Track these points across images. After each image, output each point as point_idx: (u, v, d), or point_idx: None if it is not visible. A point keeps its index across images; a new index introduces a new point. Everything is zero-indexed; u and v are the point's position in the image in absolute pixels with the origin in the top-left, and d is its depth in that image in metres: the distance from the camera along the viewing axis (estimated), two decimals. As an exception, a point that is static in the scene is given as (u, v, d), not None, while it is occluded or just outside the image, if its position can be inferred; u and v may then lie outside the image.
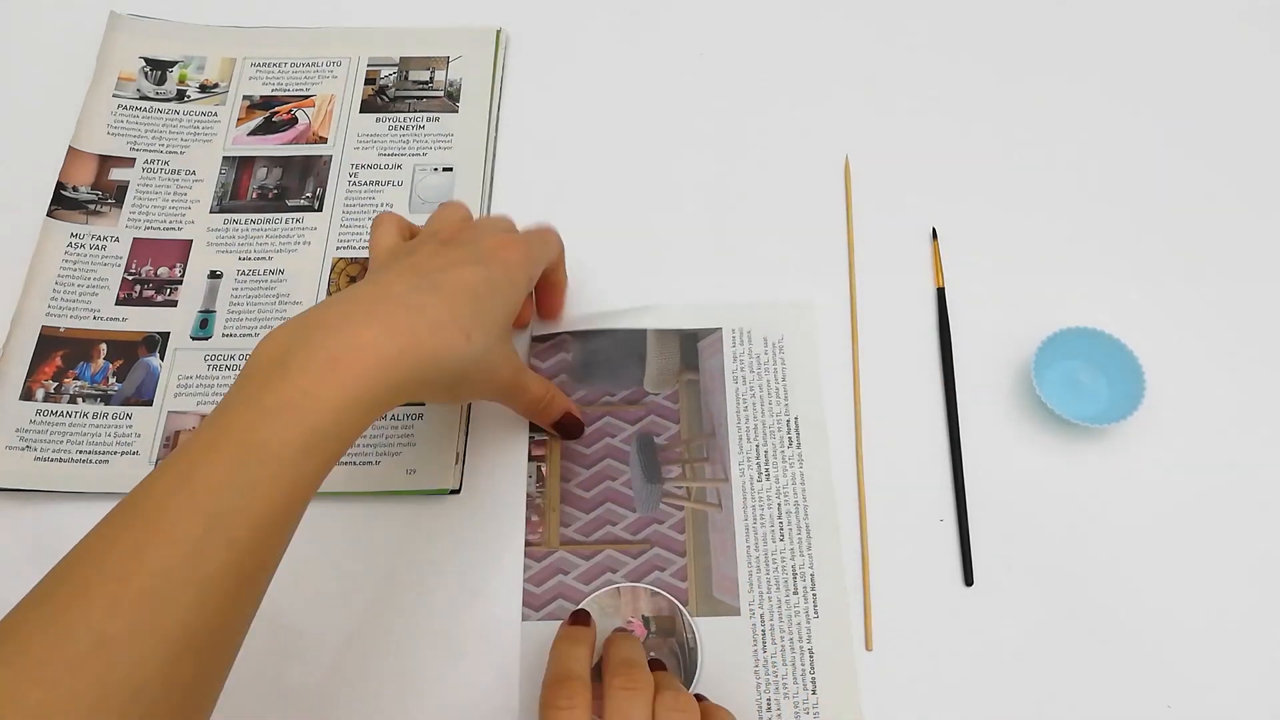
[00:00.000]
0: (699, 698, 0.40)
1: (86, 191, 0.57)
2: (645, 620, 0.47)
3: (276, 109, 0.61)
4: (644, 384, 0.52)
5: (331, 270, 0.56)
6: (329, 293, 0.55)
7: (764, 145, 0.60)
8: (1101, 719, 0.45)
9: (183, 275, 0.55)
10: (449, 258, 0.41)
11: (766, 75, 0.62)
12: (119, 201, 0.57)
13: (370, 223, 0.57)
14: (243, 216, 0.57)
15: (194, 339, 0.53)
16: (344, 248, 0.56)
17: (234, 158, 0.59)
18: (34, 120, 0.60)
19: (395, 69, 0.62)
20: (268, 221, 0.57)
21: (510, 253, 0.43)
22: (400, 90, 0.61)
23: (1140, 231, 0.57)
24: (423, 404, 0.52)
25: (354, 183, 0.58)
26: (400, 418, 0.51)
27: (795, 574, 0.48)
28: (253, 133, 0.60)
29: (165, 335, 0.54)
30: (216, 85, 0.62)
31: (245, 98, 0.61)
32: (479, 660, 0.46)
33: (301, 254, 0.56)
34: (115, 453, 0.50)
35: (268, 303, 0.55)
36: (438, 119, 0.60)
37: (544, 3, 0.65)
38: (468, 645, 0.47)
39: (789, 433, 0.51)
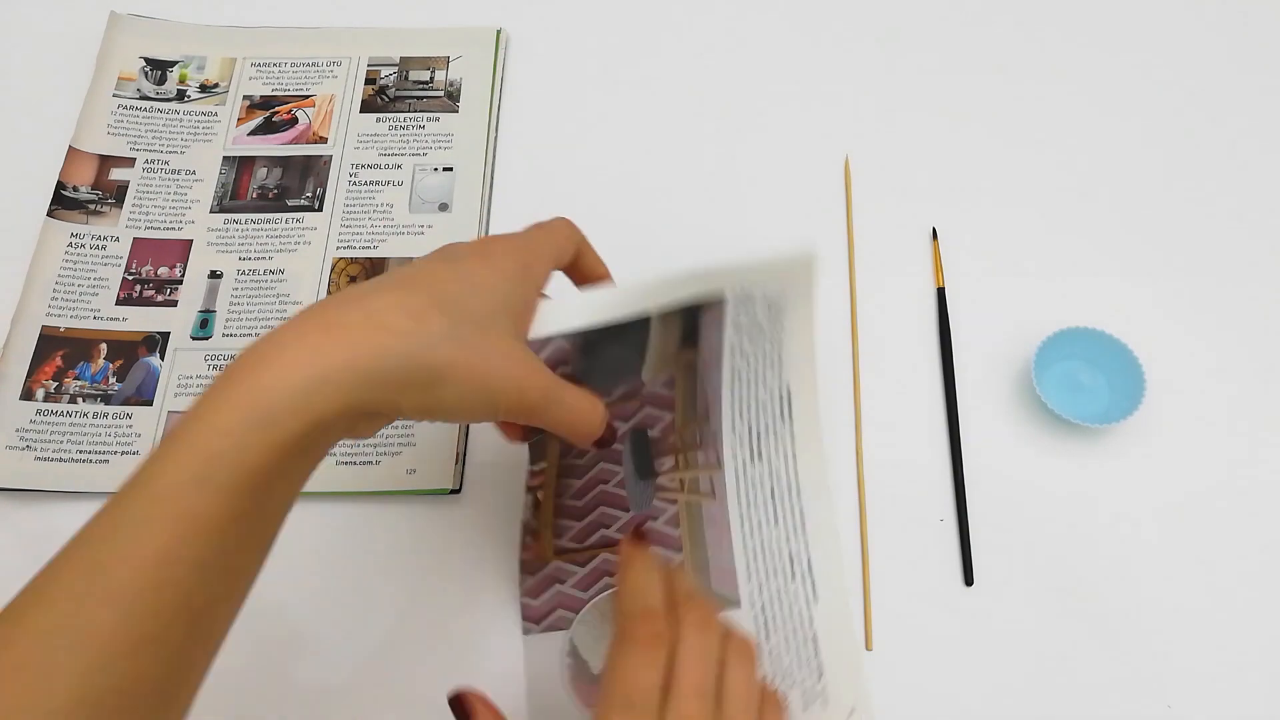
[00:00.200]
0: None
1: (86, 191, 0.57)
2: None
3: (277, 109, 0.61)
4: (642, 375, 0.46)
5: (331, 270, 0.56)
6: (329, 292, 0.55)
7: (764, 145, 0.60)
8: (1101, 719, 0.45)
9: (183, 275, 0.55)
10: (417, 263, 0.36)
11: (766, 75, 0.62)
12: (119, 201, 0.57)
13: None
14: (243, 216, 0.57)
15: (194, 339, 0.53)
16: (344, 248, 0.56)
17: (234, 158, 0.59)
18: (34, 120, 0.60)
19: (395, 69, 0.62)
20: (268, 221, 0.57)
21: (492, 245, 0.37)
22: (400, 90, 0.61)
23: (1140, 232, 0.57)
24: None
25: (354, 183, 0.58)
26: (400, 418, 0.51)
27: (791, 559, 0.47)
28: (253, 133, 0.60)
29: (165, 335, 0.54)
30: (216, 85, 0.62)
31: (245, 98, 0.61)
32: (479, 660, 0.46)
33: (301, 254, 0.56)
34: (115, 453, 0.50)
35: (268, 303, 0.55)
36: (438, 119, 0.60)
37: (544, 3, 0.65)
38: (468, 644, 0.47)
39: (781, 405, 0.48)
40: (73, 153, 0.58)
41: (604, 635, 0.45)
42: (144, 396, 0.52)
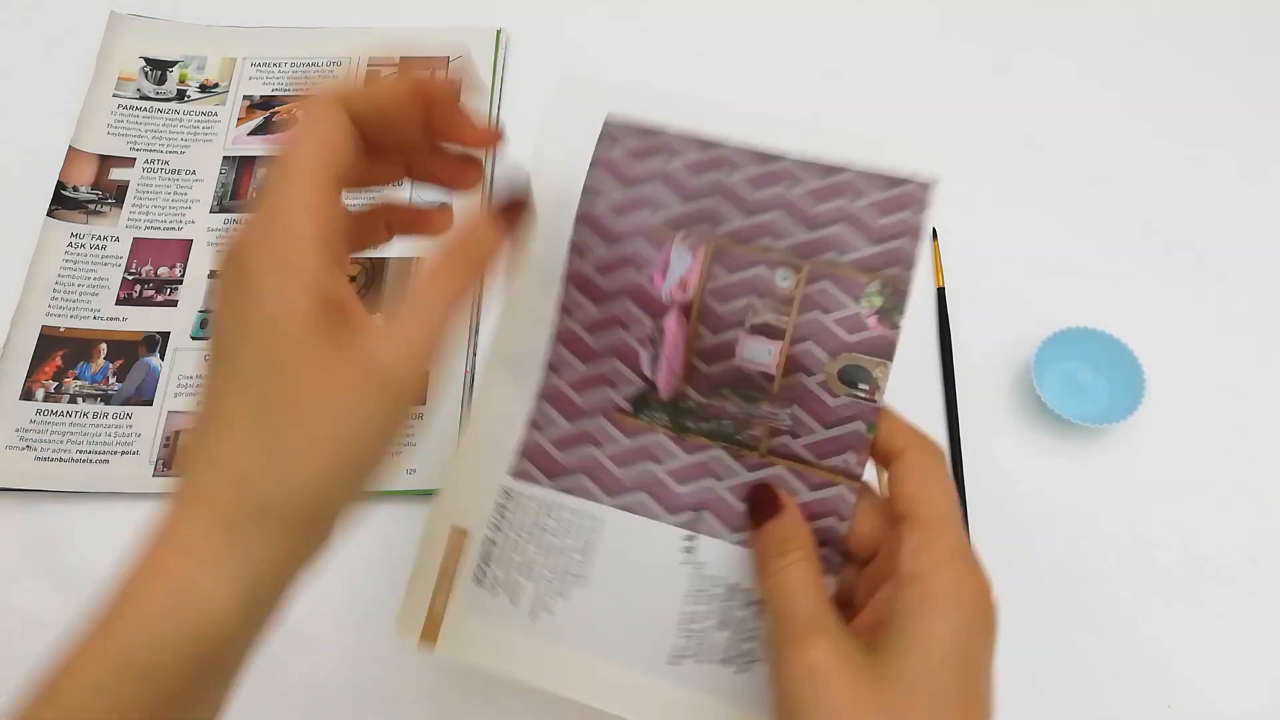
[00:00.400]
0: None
1: (86, 191, 0.57)
2: None
3: (277, 109, 0.61)
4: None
5: (331, 270, 0.56)
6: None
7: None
8: (1101, 718, 0.45)
9: (183, 275, 0.55)
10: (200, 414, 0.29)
11: (766, 75, 0.62)
12: (119, 201, 0.57)
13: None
14: (243, 216, 0.57)
15: (194, 339, 0.53)
16: (344, 248, 0.56)
17: (234, 157, 0.59)
18: (34, 120, 0.60)
19: (395, 69, 0.62)
20: (268, 221, 0.57)
21: (244, 283, 0.28)
22: (400, 90, 0.61)
23: (1140, 232, 0.57)
24: (422, 403, 0.52)
25: (354, 183, 0.58)
26: (400, 418, 0.51)
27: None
28: (253, 132, 0.60)
29: (165, 335, 0.54)
30: (216, 85, 0.62)
31: (245, 98, 0.61)
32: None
33: (301, 254, 0.56)
34: (115, 452, 0.50)
35: (268, 303, 0.54)
36: (438, 119, 0.60)
37: (544, 3, 0.65)
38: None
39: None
40: (73, 153, 0.58)
41: None
42: (144, 396, 0.52)
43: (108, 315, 0.54)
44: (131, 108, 0.60)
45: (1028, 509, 0.50)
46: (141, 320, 0.54)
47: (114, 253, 0.56)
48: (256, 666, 0.46)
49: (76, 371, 0.52)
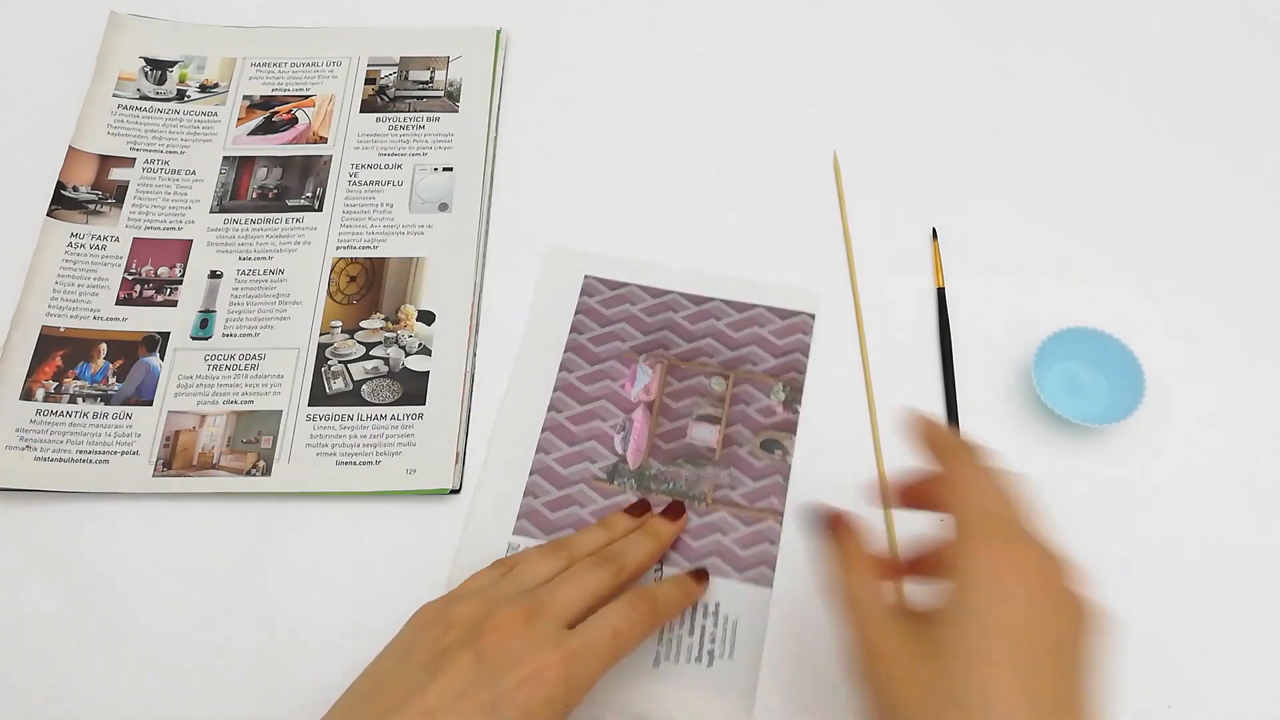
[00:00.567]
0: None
1: (86, 191, 0.57)
2: None
3: (276, 109, 0.61)
4: None
5: (331, 270, 0.56)
6: (328, 293, 0.55)
7: (765, 146, 0.60)
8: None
9: (183, 275, 0.55)
10: (460, 703, 0.36)
11: (766, 75, 0.62)
12: (119, 201, 0.57)
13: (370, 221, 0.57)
14: (243, 216, 0.57)
15: (194, 339, 0.53)
16: (344, 247, 0.56)
17: (234, 158, 0.59)
18: (34, 120, 0.60)
19: (395, 69, 0.62)
20: (268, 221, 0.57)
21: (536, 689, 0.36)
22: (400, 90, 0.61)
23: (1140, 231, 0.57)
24: (423, 404, 0.52)
25: (354, 183, 0.58)
26: (400, 418, 0.51)
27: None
28: (253, 133, 0.60)
29: (165, 335, 0.54)
30: (216, 85, 0.62)
31: (245, 98, 0.61)
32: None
33: (301, 254, 0.56)
34: (115, 453, 0.50)
35: (268, 303, 0.55)
36: (438, 119, 0.60)
37: (544, 3, 0.65)
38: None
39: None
40: (73, 153, 0.58)
41: None
42: (144, 396, 0.52)
43: (108, 315, 0.54)
44: (131, 108, 0.60)
45: (1028, 509, 0.50)
46: (141, 320, 0.54)
47: (114, 253, 0.56)
48: (257, 667, 0.47)
49: (76, 371, 0.52)
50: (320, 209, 0.57)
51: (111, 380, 0.52)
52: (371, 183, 0.58)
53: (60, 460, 0.50)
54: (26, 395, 0.51)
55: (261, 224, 0.57)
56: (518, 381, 0.53)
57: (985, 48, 0.63)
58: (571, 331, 0.53)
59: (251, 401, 0.52)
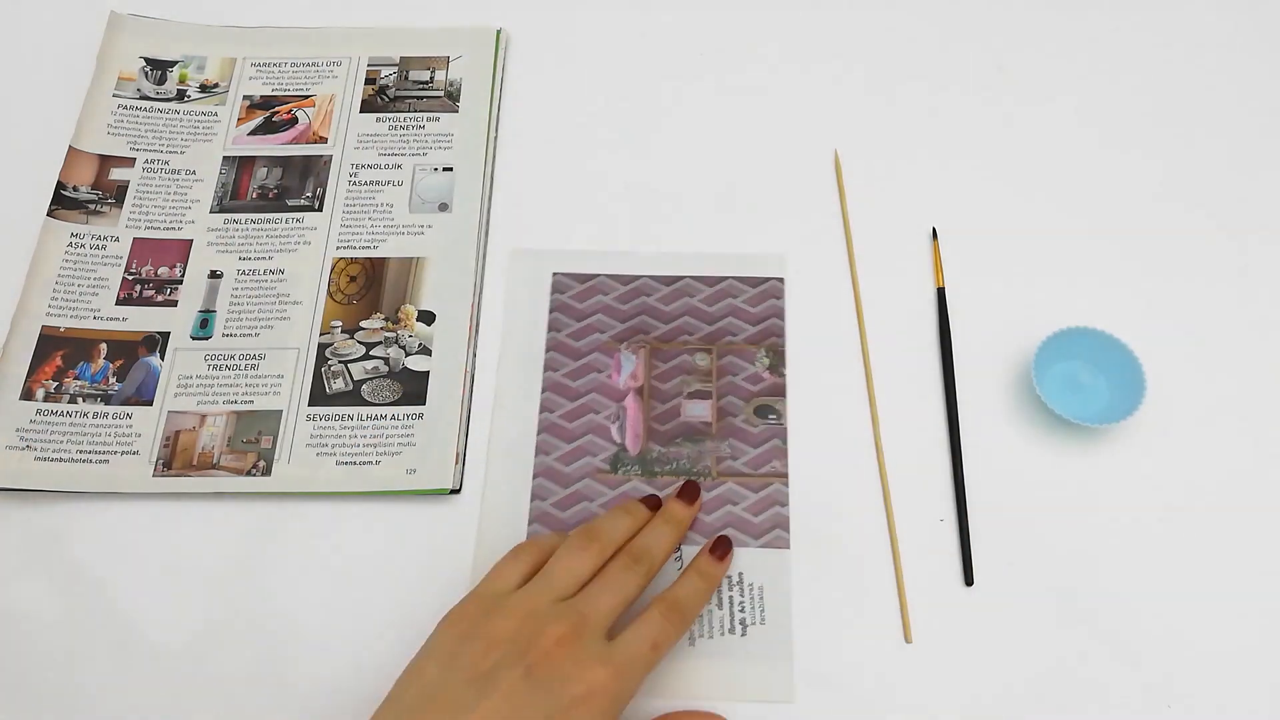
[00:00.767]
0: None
1: (86, 191, 0.57)
2: None
3: (276, 109, 0.61)
4: None
5: (331, 270, 0.56)
6: (328, 292, 0.55)
7: (765, 146, 0.60)
8: (1102, 719, 0.45)
9: (183, 275, 0.55)
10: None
11: (766, 75, 0.62)
12: (119, 201, 0.57)
13: (367, 220, 0.57)
14: (243, 216, 0.57)
15: (194, 339, 0.53)
16: (344, 247, 0.56)
17: (234, 157, 0.59)
18: (34, 120, 0.60)
19: (395, 69, 0.62)
20: (268, 221, 0.57)
21: (590, 707, 0.37)
22: (400, 90, 0.61)
23: (1141, 231, 0.57)
24: (423, 404, 0.52)
25: (354, 182, 0.58)
26: (400, 418, 0.51)
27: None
28: (253, 132, 0.60)
29: (165, 335, 0.54)
30: (216, 85, 0.62)
31: (245, 98, 0.61)
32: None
33: (301, 254, 0.56)
34: (115, 452, 0.50)
35: (268, 302, 0.55)
36: (438, 119, 0.60)
37: (544, 3, 0.65)
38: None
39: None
40: (73, 153, 0.58)
41: None
42: (144, 396, 0.52)
43: (108, 315, 0.54)
44: (131, 108, 0.60)
45: (1027, 509, 0.50)
46: (141, 320, 0.54)
47: (114, 253, 0.56)
48: (257, 667, 0.47)
49: (76, 371, 0.52)
50: (320, 209, 0.57)
51: (111, 380, 0.52)
52: (371, 183, 0.58)
53: (60, 460, 0.50)
54: (26, 395, 0.51)
55: (261, 224, 0.57)
56: (505, 389, 0.53)
57: (985, 47, 0.63)
58: (550, 331, 0.54)
59: (251, 401, 0.52)
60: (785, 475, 0.50)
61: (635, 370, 0.52)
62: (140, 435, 0.51)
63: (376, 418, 0.51)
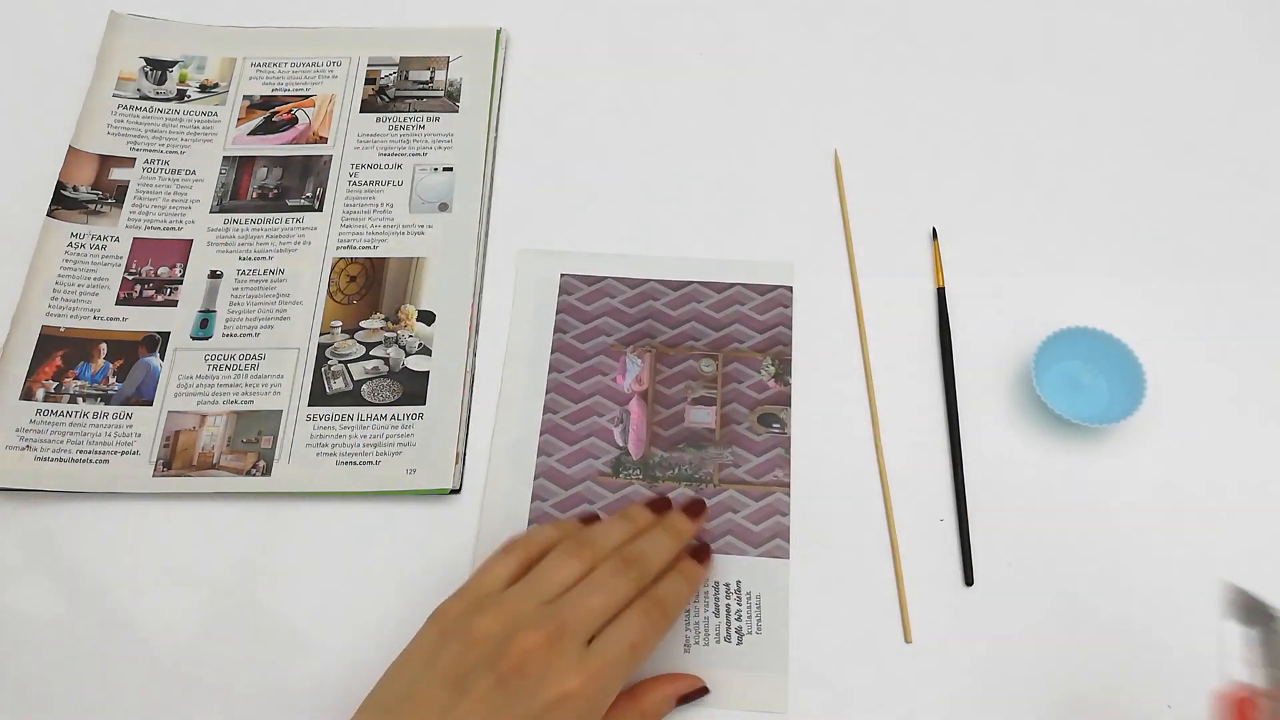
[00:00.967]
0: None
1: (86, 191, 0.57)
2: None
3: (276, 109, 0.61)
4: None
5: (331, 270, 0.56)
6: (328, 292, 0.55)
7: (765, 146, 0.60)
8: (1101, 719, 0.45)
9: (183, 275, 0.55)
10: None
11: (767, 76, 0.62)
12: (119, 201, 0.57)
13: (372, 227, 0.57)
14: (243, 216, 0.57)
15: (194, 339, 0.53)
16: (344, 247, 0.56)
17: (234, 157, 0.59)
18: (34, 120, 0.60)
19: (395, 69, 0.62)
20: (268, 221, 0.57)
21: (566, 710, 0.37)
22: (400, 90, 0.61)
23: (1140, 231, 0.57)
24: (423, 404, 0.52)
25: (354, 183, 0.58)
26: (400, 418, 0.51)
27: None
28: (253, 133, 0.60)
29: (165, 335, 0.54)
30: (216, 85, 0.62)
31: (245, 98, 0.61)
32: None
33: (301, 254, 0.56)
34: (115, 453, 0.50)
35: (268, 302, 0.55)
36: (438, 119, 0.60)
37: (544, 3, 0.65)
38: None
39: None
40: (73, 153, 0.58)
41: None
42: (144, 396, 0.52)
43: (108, 315, 0.54)
44: (131, 108, 0.60)
45: (1027, 509, 0.50)
46: (141, 320, 0.54)
47: (114, 253, 0.56)
48: (257, 667, 0.47)
49: (76, 371, 0.52)
50: (320, 209, 0.57)
51: (111, 380, 0.52)
52: (371, 183, 0.58)
53: (60, 460, 0.50)
54: (26, 395, 0.51)
55: (261, 224, 0.57)
56: (509, 388, 0.52)
57: (985, 47, 0.63)
58: (556, 332, 0.54)
59: (251, 401, 0.52)
60: (787, 484, 0.50)
61: (640, 374, 0.52)
62: (140, 435, 0.51)
63: (376, 418, 0.51)
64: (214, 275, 0.55)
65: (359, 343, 0.53)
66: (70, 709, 0.45)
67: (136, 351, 0.53)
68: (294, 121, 0.60)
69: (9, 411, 0.51)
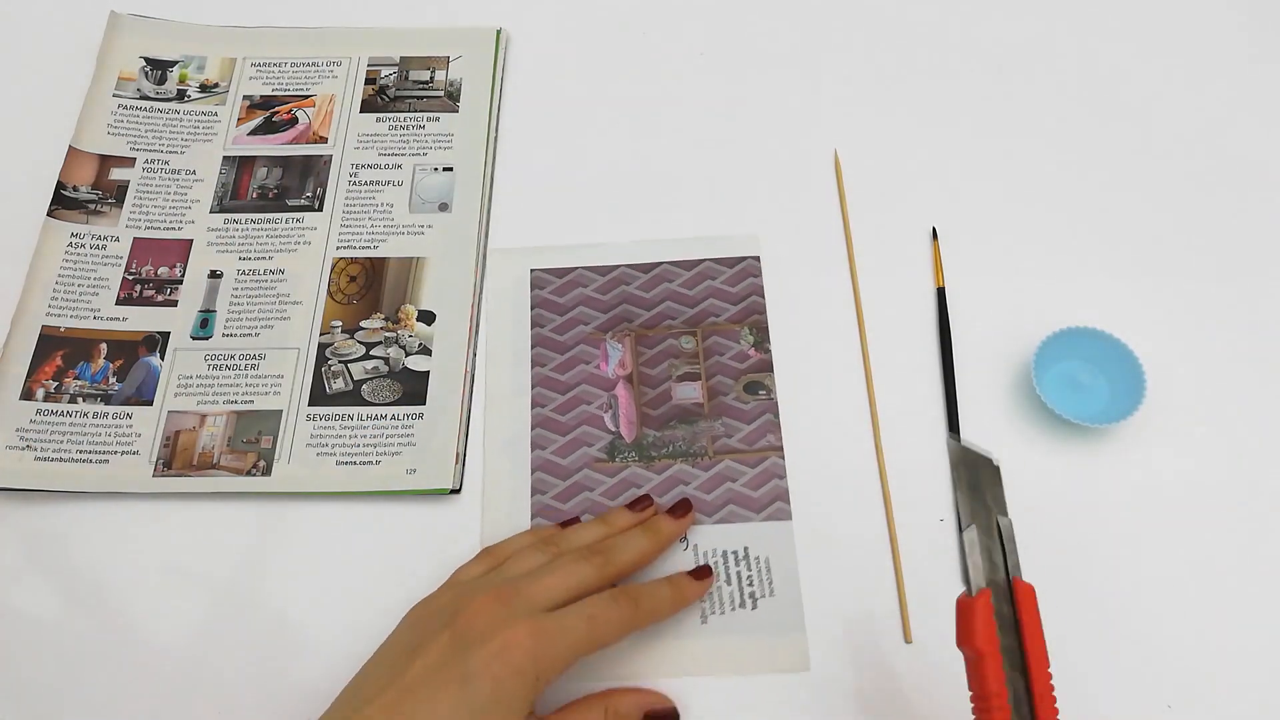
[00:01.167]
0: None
1: (86, 191, 0.57)
2: None
3: (277, 109, 0.61)
4: None
5: (331, 270, 0.56)
6: (328, 292, 0.55)
7: (765, 146, 0.60)
8: (1102, 719, 0.45)
9: (183, 275, 0.55)
10: (435, 677, 0.37)
11: (767, 75, 0.63)
12: (119, 201, 0.57)
13: (371, 219, 0.57)
14: (243, 216, 0.57)
15: (194, 339, 0.54)
16: (344, 247, 0.56)
17: (234, 157, 0.59)
18: (34, 120, 0.60)
19: (395, 69, 0.62)
20: (268, 221, 0.57)
21: (506, 661, 0.37)
22: (400, 90, 0.61)
23: (1141, 231, 0.57)
24: (423, 403, 0.52)
25: (354, 182, 0.58)
26: (400, 418, 0.51)
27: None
28: (253, 132, 0.60)
29: (165, 335, 0.54)
30: (216, 85, 0.62)
31: (245, 97, 0.61)
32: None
33: (301, 254, 0.56)
34: (115, 452, 0.50)
35: (268, 302, 0.55)
36: (438, 119, 0.60)
37: (544, 3, 0.65)
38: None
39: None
40: (73, 153, 0.58)
41: None
42: (144, 396, 0.52)
43: (108, 315, 0.54)
44: (131, 108, 0.60)
45: (1027, 508, 0.50)
46: (141, 320, 0.54)
47: (114, 253, 0.56)
48: (257, 667, 0.47)
49: (76, 371, 0.52)
50: (320, 209, 0.57)
51: (112, 380, 0.52)
52: (371, 183, 0.58)
53: (60, 460, 0.50)
54: (27, 395, 0.51)
55: (261, 224, 0.57)
56: (494, 388, 0.53)
57: (986, 47, 0.63)
58: (533, 327, 0.54)
59: (251, 401, 0.52)
60: (780, 448, 0.51)
61: (622, 358, 0.53)
62: (140, 435, 0.51)
63: (376, 418, 0.51)
64: (214, 275, 0.55)
65: (359, 342, 0.54)
66: (70, 709, 0.45)
67: (136, 351, 0.53)
68: (294, 121, 0.60)
69: (9, 411, 0.51)
